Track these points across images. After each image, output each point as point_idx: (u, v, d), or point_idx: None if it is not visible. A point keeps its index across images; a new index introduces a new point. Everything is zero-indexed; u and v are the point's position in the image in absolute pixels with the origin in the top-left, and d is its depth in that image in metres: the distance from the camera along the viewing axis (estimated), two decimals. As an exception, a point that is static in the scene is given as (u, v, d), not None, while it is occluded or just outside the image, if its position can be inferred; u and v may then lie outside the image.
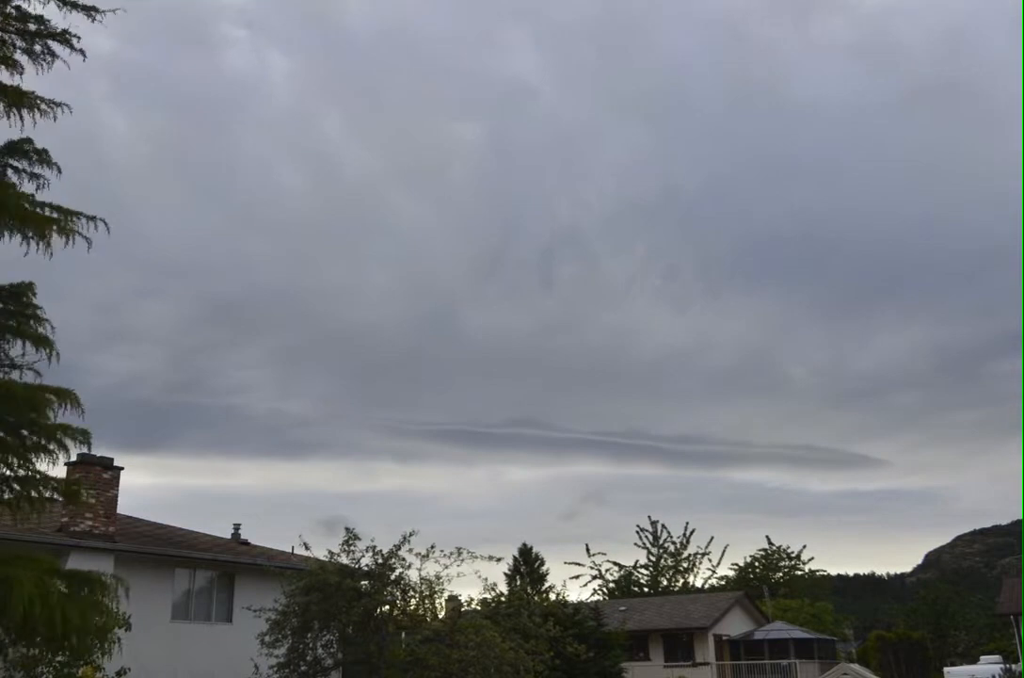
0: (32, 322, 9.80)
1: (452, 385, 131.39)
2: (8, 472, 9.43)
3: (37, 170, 9.88)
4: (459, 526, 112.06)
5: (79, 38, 10.28)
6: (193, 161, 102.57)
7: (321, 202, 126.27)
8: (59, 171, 10.03)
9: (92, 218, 9.88)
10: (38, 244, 9.51)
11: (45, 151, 9.96)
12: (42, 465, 9.60)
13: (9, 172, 9.77)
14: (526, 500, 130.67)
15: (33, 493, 9.57)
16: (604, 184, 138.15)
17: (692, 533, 61.82)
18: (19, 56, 9.92)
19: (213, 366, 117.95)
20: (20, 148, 9.79)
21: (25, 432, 9.37)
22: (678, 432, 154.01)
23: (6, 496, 9.54)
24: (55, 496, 9.93)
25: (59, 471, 10.32)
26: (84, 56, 10.31)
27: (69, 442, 9.60)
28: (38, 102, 9.79)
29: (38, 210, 9.54)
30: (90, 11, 10.25)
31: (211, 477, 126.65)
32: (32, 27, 10.06)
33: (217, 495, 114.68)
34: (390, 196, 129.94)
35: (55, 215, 9.64)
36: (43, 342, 9.78)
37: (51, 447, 9.47)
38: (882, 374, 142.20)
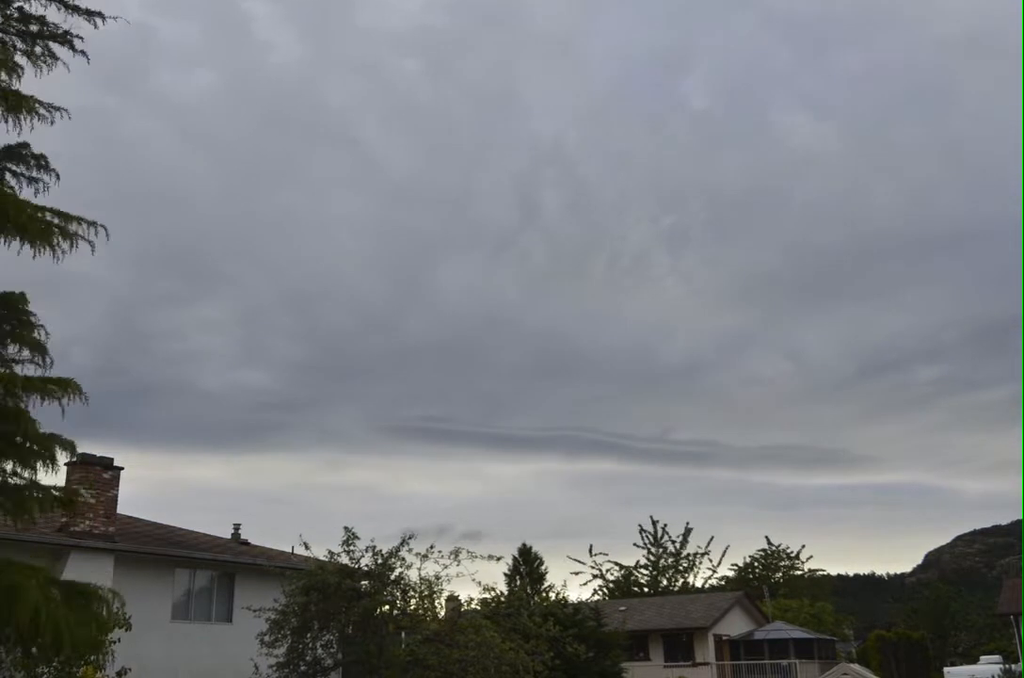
0: (25, 329, 9.86)
1: (424, 368, 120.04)
2: (4, 480, 9.45)
3: (35, 175, 9.88)
4: (439, 523, 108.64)
5: (82, 39, 10.27)
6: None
7: (253, 106, 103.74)
8: (58, 177, 10.01)
9: (92, 223, 9.88)
10: (41, 251, 9.52)
11: (43, 156, 9.94)
12: (39, 473, 9.64)
13: (7, 176, 9.78)
14: (509, 496, 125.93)
15: (31, 499, 9.55)
16: (593, 81, 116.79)
17: (690, 533, 62.03)
18: (19, 58, 9.91)
19: (159, 327, 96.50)
20: (18, 153, 9.79)
21: (19, 440, 9.40)
22: (665, 427, 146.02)
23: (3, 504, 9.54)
24: (53, 504, 9.91)
25: (59, 472, 10.29)
26: (88, 58, 10.30)
27: (58, 451, 9.64)
28: (37, 106, 9.77)
29: (39, 215, 9.51)
30: (92, 15, 10.25)
31: (170, 468, 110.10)
32: (34, 28, 10.05)
33: (181, 489, 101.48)
34: (331, 99, 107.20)
35: (55, 220, 9.62)
36: (39, 348, 9.86)
37: (46, 454, 9.49)
38: (883, 357, 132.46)
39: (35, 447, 9.41)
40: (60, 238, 9.56)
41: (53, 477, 9.95)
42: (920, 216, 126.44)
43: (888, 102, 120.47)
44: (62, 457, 9.78)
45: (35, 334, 9.84)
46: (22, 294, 9.90)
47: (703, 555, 61.51)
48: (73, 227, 9.68)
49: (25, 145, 9.87)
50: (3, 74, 9.61)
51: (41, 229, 9.37)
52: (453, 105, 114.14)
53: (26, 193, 9.85)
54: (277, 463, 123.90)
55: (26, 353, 9.76)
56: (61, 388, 9.46)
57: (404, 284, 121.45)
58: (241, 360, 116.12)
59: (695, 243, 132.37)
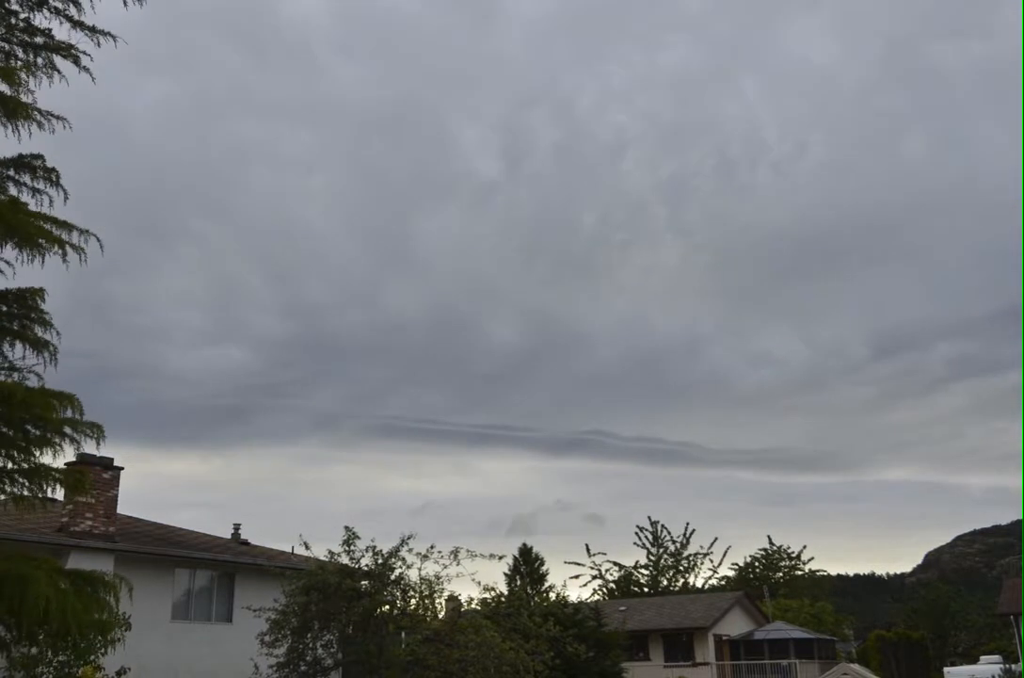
0: (36, 326, 9.84)
1: (409, 348, 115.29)
2: (11, 465, 9.45)
3: (40, 186, 9.88)
4: (425, 521, 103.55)
5: (90, 56, 10.26)
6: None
7: (189, 17, 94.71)
8: (66, 195, 10.00)
9: (84, 232, 9.89)
10: (32, 257, 9.52)
11: (55, 170, 9.92)
12: (46, 458, 9.65)
13: (10, 185, 9.76)
14: (502, 494, 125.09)
15: (36, 485, 9.57)
16: None
17: (693, 533, 61.98)
18: (20, 69, 9.88)
19: (123, 296, 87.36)
20: (28, 163, 9.77)
21: (29, 427, 9.38)
22: (662, 423, 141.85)
23: (8, 488, 9.56)
24: (58, 487, 9.93)
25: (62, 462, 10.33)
26: (92, 76, 10.27)
27: (79, 437, 9.61)
28: (35, 114, 9.76)
29: (32, 220, 9.51)
30: (95, 32, 10.24)
31: (146, 463, 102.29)
32: (39, 41, 10.06)
33: (159, 485, 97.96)
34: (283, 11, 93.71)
35: (49, 227, 9.61)
36: (43, 346, 9.82)
37: (55, 440, 9.48)
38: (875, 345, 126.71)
39: (46, 434, 9.40)
40: (51, 242, 9.53)
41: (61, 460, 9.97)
42: (961, 168, 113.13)
43: (927, 19, 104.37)
44: (87, 443, 9.71)
45: (45, 333, 9.80)
46: (40, 290, 9.86)
47: (704, 556, 61.48)
48: (66, 236, 9.67)
49: (39, 156, 9.87)
50: (3, 82, 9.61)
51: (33, 234, 9.36)
52: (425, 17, 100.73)
53: (27, 202, 9.82)
54: (258, 459, 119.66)
55: (30, 356, 9.74)
56: (60, 402, 9.38)
57: (382, 247, 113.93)
58: (213, 336, 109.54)
59: (698, 194, 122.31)
